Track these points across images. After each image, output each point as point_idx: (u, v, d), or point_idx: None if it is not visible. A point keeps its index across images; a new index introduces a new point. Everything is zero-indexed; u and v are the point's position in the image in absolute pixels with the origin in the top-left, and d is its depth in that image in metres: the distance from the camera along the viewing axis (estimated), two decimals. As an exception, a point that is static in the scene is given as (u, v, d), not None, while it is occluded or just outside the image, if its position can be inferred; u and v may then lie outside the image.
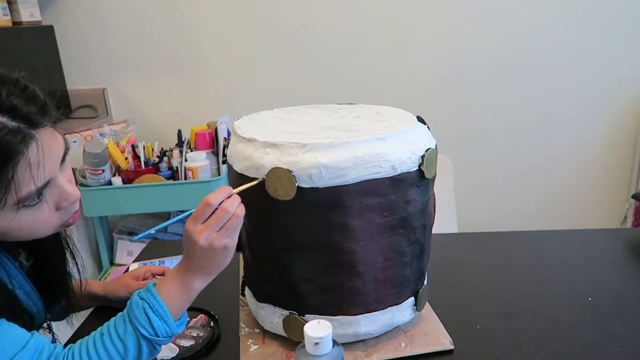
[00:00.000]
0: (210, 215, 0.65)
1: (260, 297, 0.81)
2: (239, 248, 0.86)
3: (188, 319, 0.87)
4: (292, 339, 0.78)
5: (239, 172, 0.73)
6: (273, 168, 0.68)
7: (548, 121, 2.12)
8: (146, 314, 0.65)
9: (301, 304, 0.76)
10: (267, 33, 2.08)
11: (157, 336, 0.65)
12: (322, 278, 0.74)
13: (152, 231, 0.69)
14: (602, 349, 0.76)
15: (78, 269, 0.83)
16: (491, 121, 2.14)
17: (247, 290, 0.87)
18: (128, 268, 1.08)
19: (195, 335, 0.85)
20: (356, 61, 2.09)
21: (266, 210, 0.72)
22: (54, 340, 0.85)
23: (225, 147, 0.78)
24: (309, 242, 0.72)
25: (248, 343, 0.81)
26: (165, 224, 0.70)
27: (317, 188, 0.67)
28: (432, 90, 2.11)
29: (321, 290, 0.75)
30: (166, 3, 2.05)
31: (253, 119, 0.86)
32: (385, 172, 0.69)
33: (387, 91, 2.12)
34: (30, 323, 0.74)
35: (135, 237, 0.70)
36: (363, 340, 0.80)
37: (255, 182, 0.70)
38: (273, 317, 0.80)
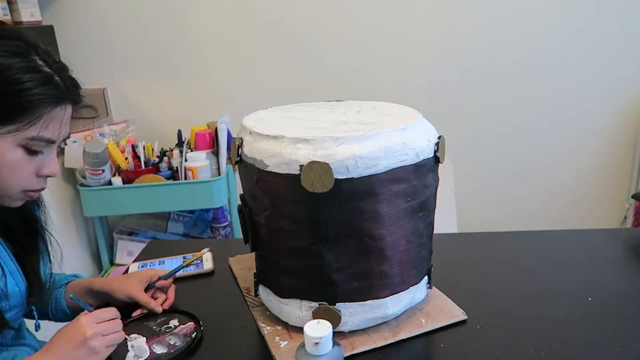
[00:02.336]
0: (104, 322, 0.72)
1: (284, 293, 0.82)
2: (254, 248, 0.85)
3: (177, 323, 0.87)
4: None
5: (266, 170, 0.73)
6: (310, 162, 0.69)
7: (548, 121, 2.12)
8: None
9: (332, 294, 0.78)
10: (267, 33, 2.08)
11: None
12: (354, 265, 0.76)
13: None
14: (602, 349, 0.76)
15: (48, 253, 0.84)
16: (491, 121, 2.14)
17: (262, 289, 0.87)
18: (128, 268, 1.08)
19: (172, 343, 0.82)
20: (356, 63, 2.09)
21: (300, 204, 0.73)
22: (37, 326, 0.87)
23: (239, 146, 0.78)
24: (341, 232, 0.74)
25: (276, 340, 0.81)
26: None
27: (352, 178, 0.70)
28: (432, 90, 2.11)
29: (352, 278, 0.77)
30: (166, 3, 2.06)
31: (258, 118, 0.86)
32: (410, 159, 0.73)
33: (387, 91, 2.12)
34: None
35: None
36: (385, 322, 0.82)
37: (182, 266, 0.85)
38: (300, 311, 0.80)
